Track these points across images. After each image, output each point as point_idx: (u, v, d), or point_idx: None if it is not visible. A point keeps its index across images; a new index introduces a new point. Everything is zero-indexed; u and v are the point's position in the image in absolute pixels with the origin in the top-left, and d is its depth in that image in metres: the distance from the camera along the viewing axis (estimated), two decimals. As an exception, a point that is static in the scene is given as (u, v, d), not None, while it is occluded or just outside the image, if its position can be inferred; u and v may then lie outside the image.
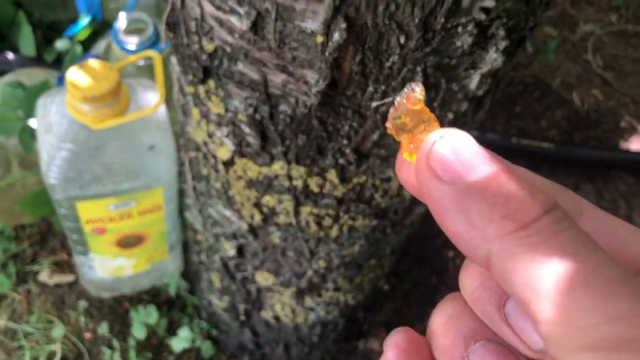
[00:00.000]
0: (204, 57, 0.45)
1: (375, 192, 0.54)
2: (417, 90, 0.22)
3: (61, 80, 0.79)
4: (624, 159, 1.19)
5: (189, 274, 0.90)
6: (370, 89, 0.41)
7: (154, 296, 0.92)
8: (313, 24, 0.37)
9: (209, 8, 0.41)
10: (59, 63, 1.02)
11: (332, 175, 0.50)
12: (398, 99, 0.22)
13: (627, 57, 1.42)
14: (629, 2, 1.52)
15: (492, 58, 0.42)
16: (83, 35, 0.98)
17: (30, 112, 0.74)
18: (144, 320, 0.86)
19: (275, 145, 0.48)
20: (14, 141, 0.79)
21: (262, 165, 0.51)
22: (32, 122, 0.73)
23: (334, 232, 0.59)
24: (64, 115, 0.64)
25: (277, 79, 0.42)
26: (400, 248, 0.76)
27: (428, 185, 0.20)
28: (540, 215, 0.18)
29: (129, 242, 0.76)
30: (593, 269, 0.17)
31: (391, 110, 0.22)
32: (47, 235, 0.96)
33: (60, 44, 0.98)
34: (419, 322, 0.97)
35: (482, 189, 0.19)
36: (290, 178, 0.51)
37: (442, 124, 0.47)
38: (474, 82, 0.44)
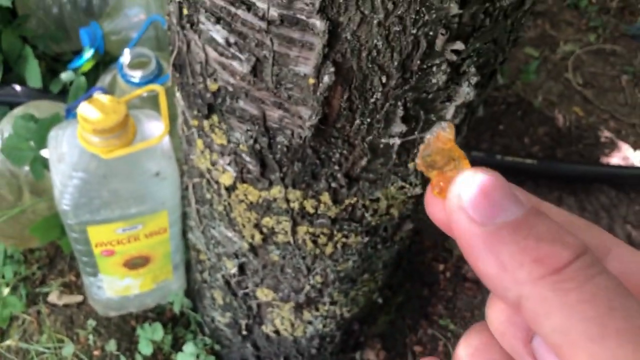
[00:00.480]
0: (208, 95, 0.50)
1: (365, 212, 0.59)
2: (447, 130, 0.23)
3: (69, 112, 0.84)
4: (605, 172, 1.24)
5: (192, 292, 0.94)
6: (357, 122, 0.46)
7: (159, 314, 0.96)
8: (305, 68, 0.42)
9: (212, 54, 0.46)
10: (64, 94, 1.08)
11: (325, 197, 0.55)
12: (428, 136, 0.23)
13: (605, 74, 1.48)
14: (606, 23, 1.59)
15: (465, 92, 0.48)
16: (86, 67, 1.03)
17: (41, 143, 0.79)
18: (150, 337, 0.90)
19: (273, 171, 0.53)
20: (26, 170, 0.84)
21: (262, 190, 0.56)
22: (44, 152, 0.78)
23: (329, 249, 0.64)
24: (75, 145, 0.69)
25: (274, 114, 0.47)
26: (392, 263, 0.80)
27: (459, 225, 0.20)
28: (571, 260, 0.18)
29: (135, 263, 0.81)
30: (625, 317, 0.17)
31: (421, 147, 0.23)
32: (55, 259, 1.01)
33: (65, 76, 1.04)
34: (412, 333, 1.01)
35: (513, 231, 0.19)
36: (287, 201, 0.56)
37: (424, 149, 0.52)
38: (450, 112, 0.49)
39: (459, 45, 0.42)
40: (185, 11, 0.45)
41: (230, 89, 0.47)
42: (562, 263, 0.18)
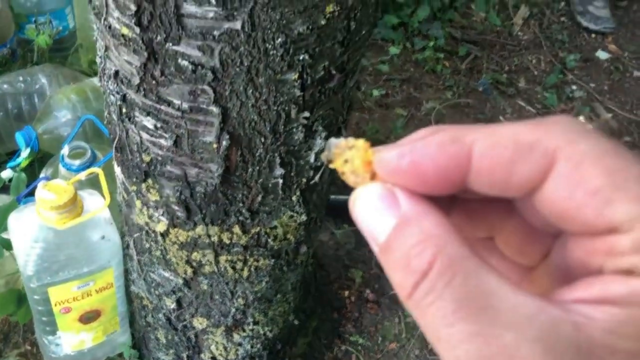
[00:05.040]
0: (144, 165, 0.71)
1: (268, 238, 0.80)
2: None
3: (20, 200, 1.01)
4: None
5: (137, 344, 1.10)
6: (250, 169, 0.68)
7: (109, 367, 1.11)
8: (210, 138, 0.64)
9: (145, 136, 0.67)
10: (4, 190, 1.23)
11: (236, 229, 0.76)
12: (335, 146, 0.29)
13: (462, 123, 1.80)
14: (459, 82, 1.94)
15: (319, 143, 0.71)
16: (24, 164, 1.20)
17: (0, 227, 0.95)
18: (104, 385, 1.05)
19: (196, 214, 0.73)
20: (-16, 253, 0.99)
21: (189, 230, 0.76)
22: (4, 235, 0.94)
23: (245, 273, 0.84)
24: (34, 222, 0.87)
25: (192, 171, 0.68)
26: (300, 286, 1.01)
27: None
28: (415, 286, 0.22)
29: (89, 317, 0.97)
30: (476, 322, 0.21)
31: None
32: (9, 334, 1.13)
33: (5, 174, 1.20)
34: (329, 351, 1.21)
35: (383, 255, 0.24)
36: (209, 236, 0.76)
37: (300, 187, 0.75)
38: (312, 158, 0.72)
39: (307, 114, 0.66)
40: (124, 110, 0.66)
41: (160, 158, 0.69)
42: (407, 292, 0.22)
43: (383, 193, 0.25)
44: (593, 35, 2.27)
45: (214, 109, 0.61)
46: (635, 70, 2.16)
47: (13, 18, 1.48)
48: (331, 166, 0.29)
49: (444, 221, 0.24)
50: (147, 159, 0.70)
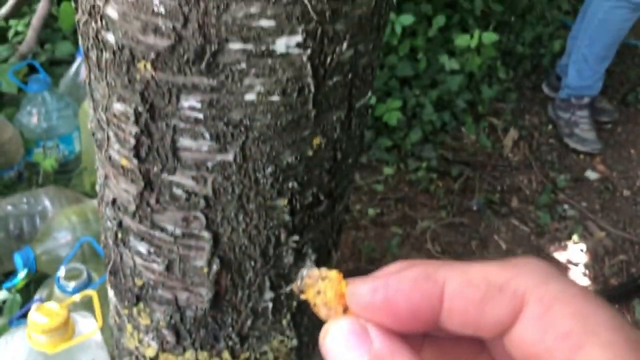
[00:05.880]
0: (136, 289, 0.72)
1: (258, 363, 0.79)
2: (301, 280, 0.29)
3: (12, 323, 1.01)
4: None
5: None
6: (240, 293, 0.69)
7: None
8: (201, 262, 0.66)
9: (138, 261, 0.69)
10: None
11: (226, 354, 0.75)
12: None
13: (457, 242, 1.83)
14: (452, 201, 1.99)
15: (309, 265, 0.73)
16: (20, 285, 1.21)
17: (-11, 351, 0.94)
18: None
19: (185, 339, 0.73)
20: (-29, 378, 0.97)
21: (178, 355, 0.75)
22: (-8, 358, 0.93)
23: (234, 400, 0.82)
24: (23, 346, 0.86)
25: (183, 296, 0.69)
26: (292, 413, 0.98)
27: None
28: None
29: None
30: None
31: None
32: None
33: (1, 295, 1.20)
34: None
35: None
36: (198, 361, 0.76)
37: (290, 311, 0.75)
38: (301, 282, 0.74)
39: (296, 238, 0.68)
40: (119, 235, 0.69)
41: (152, 282, 0.70)
42: None
43: (355, 329, 0.26)
44: (581, 156, 2.35)
45: (206, 235, 0.64)
46: (624, 190, 2.21)
47: (23, 143, 1.55)
48: (302, 297, 0.29)
49: None
50: (139, 283, 0.71)
